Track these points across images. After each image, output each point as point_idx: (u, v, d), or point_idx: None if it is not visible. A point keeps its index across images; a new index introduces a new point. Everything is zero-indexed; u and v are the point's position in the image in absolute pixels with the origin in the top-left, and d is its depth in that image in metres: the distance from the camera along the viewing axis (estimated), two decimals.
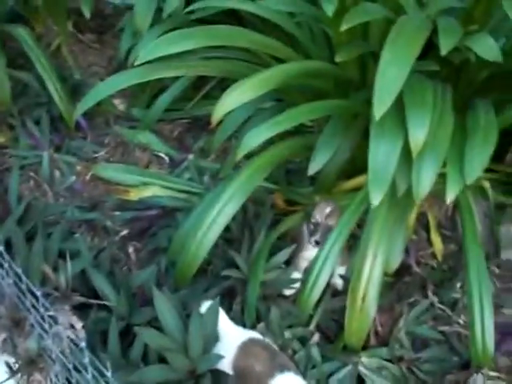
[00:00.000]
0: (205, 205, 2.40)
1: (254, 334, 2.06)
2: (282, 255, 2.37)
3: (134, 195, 2.82)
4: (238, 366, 1.95)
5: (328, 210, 2.29)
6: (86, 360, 1.51)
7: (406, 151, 1.98)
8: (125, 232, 2.74)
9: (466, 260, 2.27)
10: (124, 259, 2.58)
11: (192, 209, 2.51)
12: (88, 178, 3.04)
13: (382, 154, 2.00)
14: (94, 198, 2.94)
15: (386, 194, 2.12)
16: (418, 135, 1.95)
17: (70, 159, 3.10)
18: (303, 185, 2.81)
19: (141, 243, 2.69)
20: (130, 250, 2.64)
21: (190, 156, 3.07)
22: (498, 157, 2.19)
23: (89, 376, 1.54)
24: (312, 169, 2.37)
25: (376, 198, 1.98)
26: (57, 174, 3.04)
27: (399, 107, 1.99)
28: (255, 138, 2.17)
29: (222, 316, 2.09)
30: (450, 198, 2.03)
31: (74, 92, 3.22)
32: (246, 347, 1.97)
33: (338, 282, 2.50)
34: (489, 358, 2.21)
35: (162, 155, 3.15)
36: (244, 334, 2.04)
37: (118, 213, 2.82)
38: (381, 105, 1.89)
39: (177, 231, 2.47)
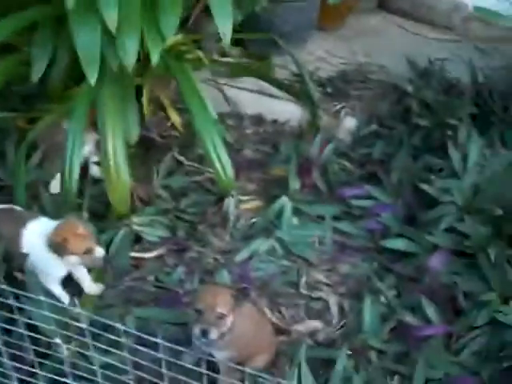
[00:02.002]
0: None
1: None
2: (35, 158, 2.64)
3: None
4: None
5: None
6: None
7: (108, 33, 2.27)
8: None
9: (194, 120, 2.58)
10: None
11: None
12: None
13: (86, 38, 2.28)
14: None
15: (105, 78, 2.41)
16: (110, 15, 2.23)
17: None
18: (41, 103, 2.97)
19: None
20: None
21: None
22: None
23: None
24: (34, 77, 2.52)
25: (92, 77, 2.26)
26: None
27: None
28: None
29: None
30: (154, 59, 2.33)
31: None
32: None
33: (96, 171, 2.76)
34: (232, 184, 2.63)
35: None
36: None
37: None
38: None
39: None
